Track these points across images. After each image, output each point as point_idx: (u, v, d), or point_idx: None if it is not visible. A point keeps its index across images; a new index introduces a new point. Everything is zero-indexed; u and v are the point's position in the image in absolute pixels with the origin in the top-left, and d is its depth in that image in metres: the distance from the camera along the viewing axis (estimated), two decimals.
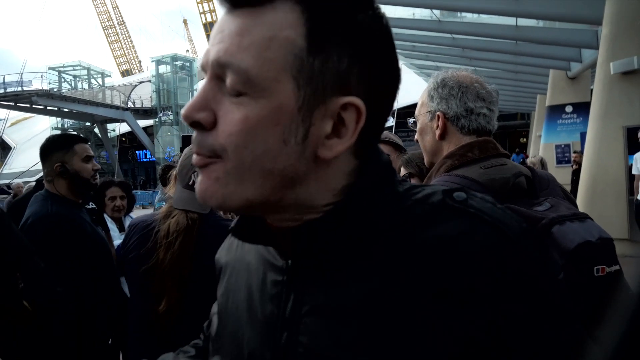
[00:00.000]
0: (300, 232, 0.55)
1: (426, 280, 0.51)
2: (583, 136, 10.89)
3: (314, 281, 0.56)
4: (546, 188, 1.19)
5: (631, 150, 6.58)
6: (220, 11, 0.53)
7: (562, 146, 13.74)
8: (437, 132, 1.28)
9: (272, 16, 0.49)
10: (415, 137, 1.38)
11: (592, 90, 9.14)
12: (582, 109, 13.19)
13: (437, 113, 1.28)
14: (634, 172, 6.26)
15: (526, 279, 0.51)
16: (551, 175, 1.28)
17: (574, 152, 11.58)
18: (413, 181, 2.29)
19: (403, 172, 2.56)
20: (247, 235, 0.60)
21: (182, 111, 0.52)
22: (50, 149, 2.18)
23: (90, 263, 2.06)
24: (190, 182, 1.66)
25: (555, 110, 14.11)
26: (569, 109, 13.77)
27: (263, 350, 0.58)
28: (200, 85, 0.55)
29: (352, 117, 0.52)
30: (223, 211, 0.57)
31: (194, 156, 0.53)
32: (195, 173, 1.63)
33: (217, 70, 0.50)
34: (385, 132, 3.23)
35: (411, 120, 1.39)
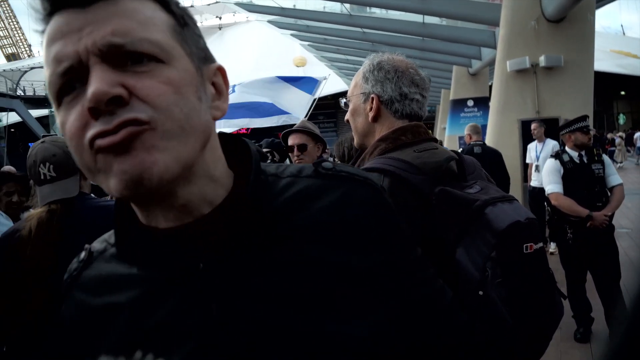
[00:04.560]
0: (209, 227, 0.56)
1: (330, 243, 0.58)
2: (483, 128, 11.72)
3: (229, 278, 0.55)
4: (473, 172, 1.24)
5: (525, 141, 7.20)
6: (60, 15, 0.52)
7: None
8: (371, 115, 1.28)
9: (131, 4, 0.52)
10: (346, 117, 1.37)
11: (490, 85, 9.87)
12: (482, 103, 14.25)
13: (372, 95, 1.27)
14: (527, 160, 6.86)
15: (394, 217, 0.64)
16: (476, 160, 1.33)
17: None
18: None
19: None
20: (139, 255, 0.58)
21: (93, 92, 0.48)
22: None
23: None
24: (42, 177, 1.63)
25: (458, 104, 15.10)
26: (470, 103, 14.81)
27: None
28: (93, 73, 0.50)
29: (221, 80, 0.61)
30: (158, 187, 0.51)
31: (108, 139, 0.49)
32: (42, 165, 1.62)
33: (114, 50, 0.50)
34: (302, 122, 3.21)
35: (343, 100, 1.38)
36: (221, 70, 0.61)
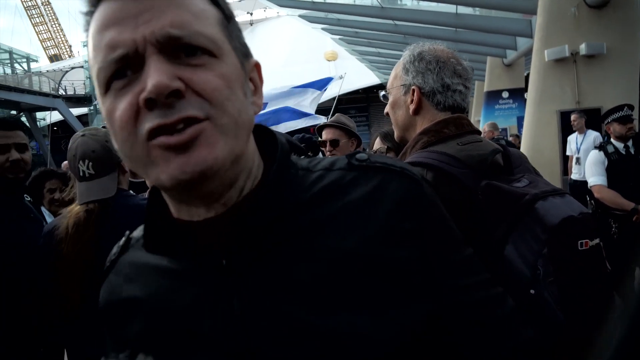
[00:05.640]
0: (235, 217, 0.55)
1: (358, 236, 0.55)
2: (519, 120, 11.40)
3: (252, 272, 0.55)
4: (519, 165, 1.19)
5: (565, 133, 6.95)
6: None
7: (500, 130, 14.38)
8: (412, 107, 1.24)
9: None
10: (386, 110, 1.34)
11: (526, 76, 9.58)
12: (517, 94, 13.85)
13: (412, 87, 1.23)
14: (567, 153, 6.62)
15: (435, 211, 0.61)
16: (522, 153, 1.27)
17: (511, 135, 12.16)
18: (390, 156, 2.25)
19: (377, 146, 2.50)
20: (164, 248, 0.59)
21: (155, 84, 0.47)
22: None
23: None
24: (81, 174, 1.64)
25: (493, 96, 14.73)
26: (505, 94, 14.42)
27: None
28: (151, 64, 0.49)
29: (257, 76, 0.61)
30: (209, 176, 0.51)
31: (175, 138, 0.49)
32: (81, 162, 1.63)
33: (172, 42, 0.50)
34: (337, 116, 3.18)
35: (382, 93, 1.35)
36: (257, 66, 0.62)
